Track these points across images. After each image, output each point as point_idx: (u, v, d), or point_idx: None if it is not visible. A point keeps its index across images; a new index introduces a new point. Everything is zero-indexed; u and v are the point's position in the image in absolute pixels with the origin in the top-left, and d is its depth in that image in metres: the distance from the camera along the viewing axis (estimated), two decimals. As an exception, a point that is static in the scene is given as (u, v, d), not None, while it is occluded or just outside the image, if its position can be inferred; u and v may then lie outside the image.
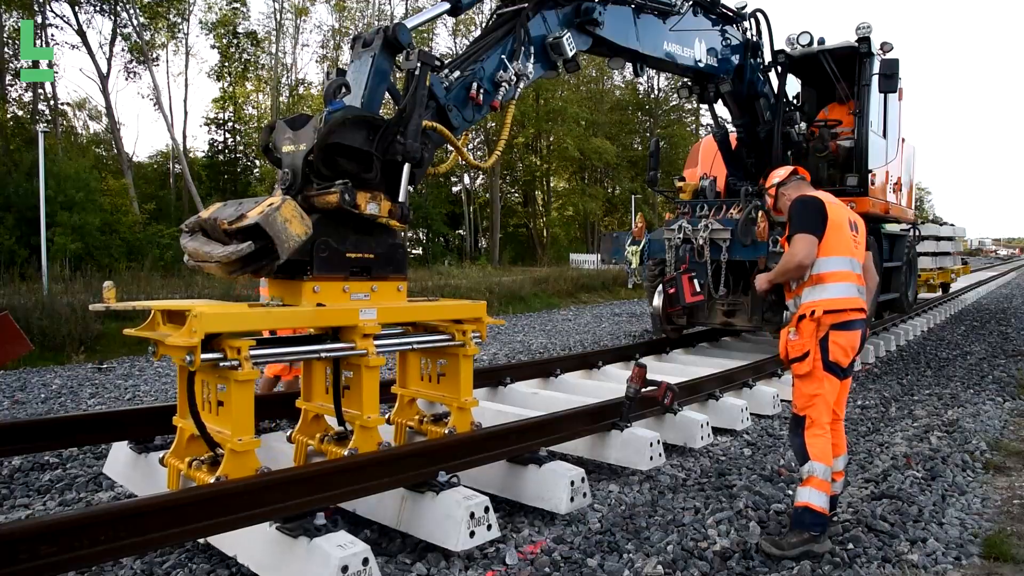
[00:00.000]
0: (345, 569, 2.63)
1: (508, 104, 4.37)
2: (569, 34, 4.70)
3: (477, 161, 4.57)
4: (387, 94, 3.82)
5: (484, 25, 5.03)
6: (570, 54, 4.69)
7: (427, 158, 3.76)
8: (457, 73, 4.07)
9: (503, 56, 4.29)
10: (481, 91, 4.10)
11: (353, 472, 3.10)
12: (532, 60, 4.47)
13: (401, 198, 3.54)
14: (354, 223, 3.43)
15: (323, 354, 3.30)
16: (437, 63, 3.87)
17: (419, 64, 3.62)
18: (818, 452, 3.21)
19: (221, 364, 2.85)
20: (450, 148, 4.21)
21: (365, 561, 2.71)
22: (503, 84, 4.24)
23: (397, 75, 3.96)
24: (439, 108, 3.91)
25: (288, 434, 3.80)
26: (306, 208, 3.24)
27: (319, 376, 3.68)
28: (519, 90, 4.41)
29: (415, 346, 3.77)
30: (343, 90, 3.45)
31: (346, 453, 3.39)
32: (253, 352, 2.94)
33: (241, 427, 2.95)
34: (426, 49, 3.84)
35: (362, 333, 3.33)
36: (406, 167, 3.54)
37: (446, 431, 3.90)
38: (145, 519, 2.48)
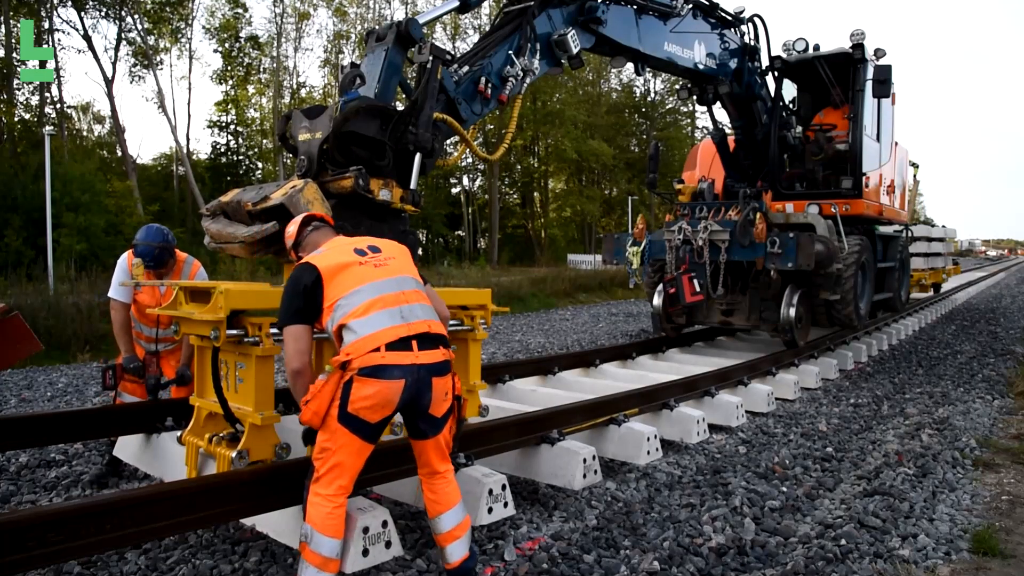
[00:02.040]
0: (366, 530, 2.76)
1: (515, 98, 4.53)
2: (573, 32, 4.86)
3: (485, 153, 4.72)
4: (399, 87, 3.97)
5: (491, 23, 5.19)
6: (574, 51, 4.85)
7: (437, 148, 3.90)
8: (466, 68, 4.24)
9: (510, 52, 4.45)
10: (489, 85, 4.26)
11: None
12: (538, 56, 4.63)
13: (412, 186, 3.68)
14: (368, 209, 3.58)
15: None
16: (448, 57, 4.02)
17: (431, 57, 3.77)
18: (316, 516, 2.53)
19: (244, 340, 2.99)
20: (456, 143, 4.35)
21: (384, 523, 2.84)
22: (510, 79, 4.40)
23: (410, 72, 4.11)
24: (449, 101, 4.06)
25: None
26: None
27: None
28: (525, 85, 4.57)
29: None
30: (358, 81, 3.59)
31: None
32: (273, 329, 3.07)
33: (262, 402, 3.07)
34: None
35: (375, 316, 3.45)
36: (417, 156, 3.68)
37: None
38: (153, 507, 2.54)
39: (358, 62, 4.01)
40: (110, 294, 4.28)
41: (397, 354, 2.51)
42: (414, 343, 2.57)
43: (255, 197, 3.11)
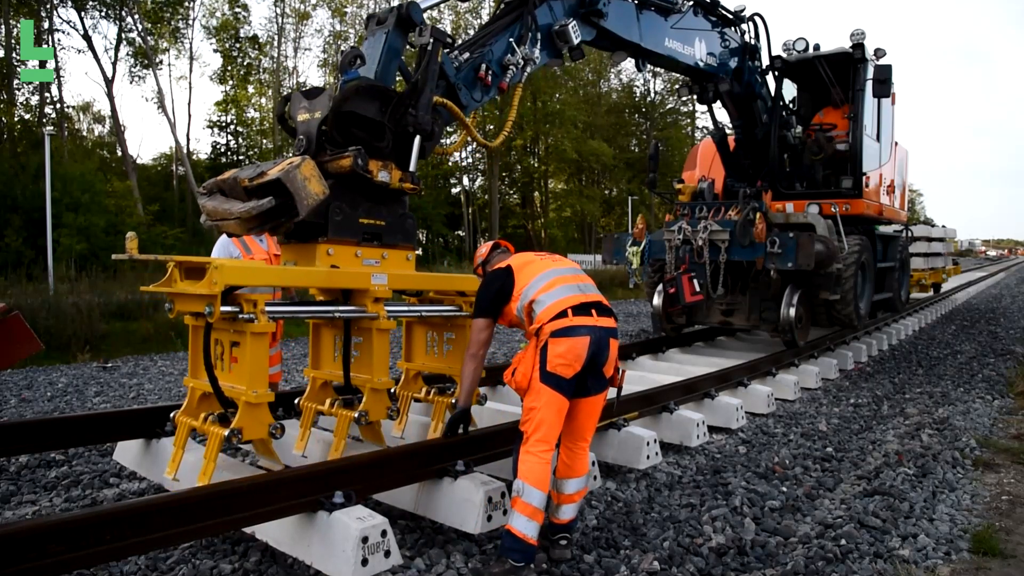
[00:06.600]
0: (365, 540, 2.72)
1: (515, 87, 4.51)
2: (574, 23, 4.84)
3: (485, 140, 4.68)
4: (399, 73, 3.95)
5: (492, 13, 5.18)
6: (575, 42, 4.84)
7: (437, 132, 3.88)
8: (467, 55, 4.22)
9: (511, 40, 4.43)
10: (489, 72, 4.24)
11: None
12: (539, 47, 4.61)
13: (412, 168, 3.66)
14: (367, 190, 3.55)
15: (336, 314, 3.39)
16: (449, 40, 4.00)
17: (431, 40, 3.75)
18: (527, 471, 2.93)
19: (239, 317, 2.95)
20: (456, 128, 4.33)
21: (383, 533, 2.80)
22: (510, 67, 4.38)
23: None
24: (449, 86, 4.04)
25: (297, 401, 3.87)
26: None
27: (327, 344, 3.78)
28: (526, 74, 4.55)
29: (424, 314, 3.87)
30: (358, 61, 3.57)
31: (356, 415, 3.49)
32: (268, 307, 3.03)
33: (256, 380, 3.03)
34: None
35: (373, 297, 3.44)
36: (417, 139, 3.66)
37: (452, 401, 4.00)
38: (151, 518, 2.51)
39: (358, 47, 3.99)
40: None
41: (581, 317, 3.00)
42: (593, 310, 3.06)
43: (251, 174, 3.08)
